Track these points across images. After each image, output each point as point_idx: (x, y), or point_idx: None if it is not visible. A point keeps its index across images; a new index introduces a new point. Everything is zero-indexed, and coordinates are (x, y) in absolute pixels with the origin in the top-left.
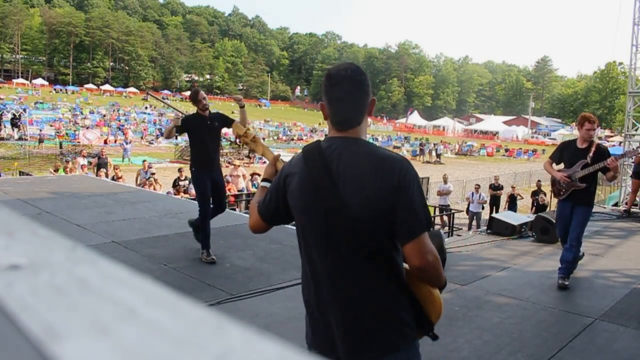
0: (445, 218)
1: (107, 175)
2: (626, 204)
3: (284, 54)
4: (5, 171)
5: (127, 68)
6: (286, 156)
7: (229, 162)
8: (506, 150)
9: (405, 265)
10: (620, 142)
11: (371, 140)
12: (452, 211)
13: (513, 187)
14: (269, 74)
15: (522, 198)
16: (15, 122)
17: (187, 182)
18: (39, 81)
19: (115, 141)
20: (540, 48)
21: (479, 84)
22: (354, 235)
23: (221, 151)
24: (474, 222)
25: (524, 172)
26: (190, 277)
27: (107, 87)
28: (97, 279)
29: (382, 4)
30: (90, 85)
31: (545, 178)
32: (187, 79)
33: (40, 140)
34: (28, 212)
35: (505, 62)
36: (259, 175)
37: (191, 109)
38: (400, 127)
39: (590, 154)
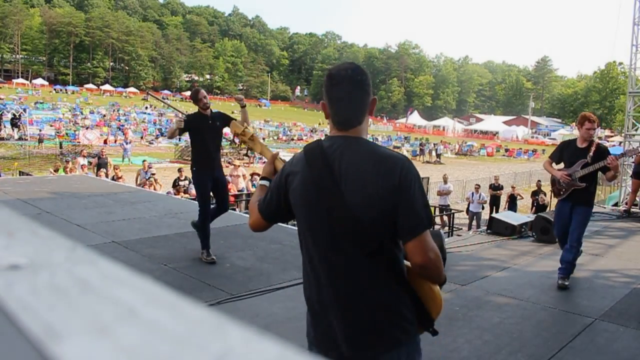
0: (445, 218)
1: (107, 175)
2: (626, 204)
3: (284, 54)
4: (5, 171)
5: (127, 68)
6: (286, 156)
7: (229, 162)
8: (506, 150)
9: (406, 262)
10: (620, 142)
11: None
12: (452, 211)
13: (513, 187)
14: (269, 74)
15: (522, 198)
16: (15, 122)
17: (187, 182)
18: (39, 81)
19: (115, 141)
20: (540, 48)
21: (479, 84)
22: (355, 233)
23: (221, 151)
24: (474, 222)
25: (524, 172)
26: (190, 277)
27: (107, 87)
28: (97, 279)
29: (382, 4)
30: (90, 85)
31: (545, 178)
32: (187, 79)
33: (40, 140)
34: (28, 212)
35: (505, 62)
36: (259, 175)
37: (192, 109)
38: (400, 127)
39: (591, 154)
